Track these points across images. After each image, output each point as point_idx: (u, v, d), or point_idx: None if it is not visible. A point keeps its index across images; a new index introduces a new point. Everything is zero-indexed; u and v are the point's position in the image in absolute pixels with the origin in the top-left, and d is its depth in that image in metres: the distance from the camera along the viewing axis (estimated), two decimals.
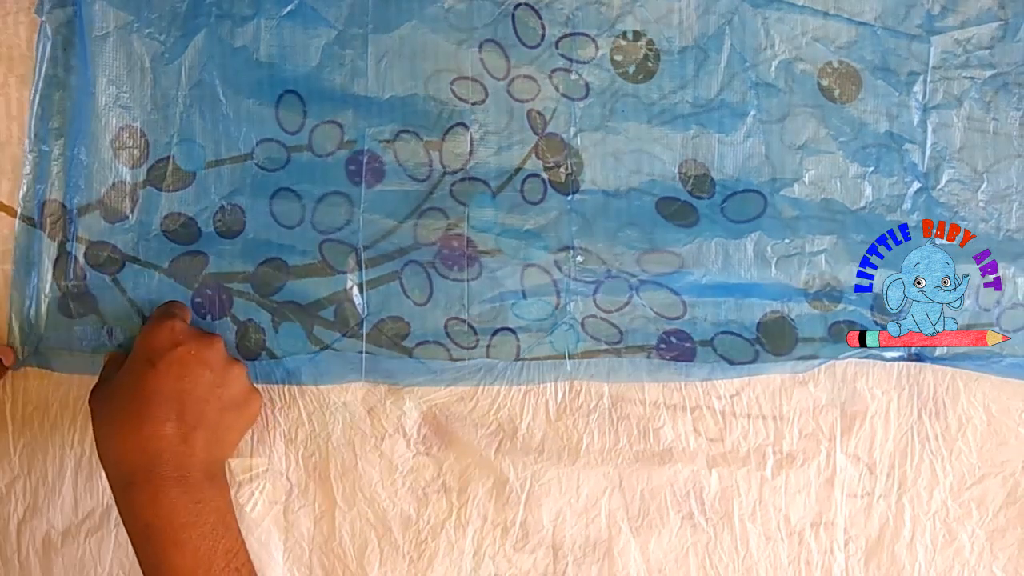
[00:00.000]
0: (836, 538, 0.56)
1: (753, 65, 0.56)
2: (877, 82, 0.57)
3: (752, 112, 0.56)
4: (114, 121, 0.55)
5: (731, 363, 0.56)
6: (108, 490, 0.54)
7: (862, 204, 0.57)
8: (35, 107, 0.55)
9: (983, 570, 0.57)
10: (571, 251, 0.56)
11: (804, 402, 0.57)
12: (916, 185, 0.57)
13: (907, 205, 0.57)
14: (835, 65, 0.57)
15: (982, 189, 0.57)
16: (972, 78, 0.57)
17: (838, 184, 0.57)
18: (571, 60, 0.56)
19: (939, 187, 0.57)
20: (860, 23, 0.57)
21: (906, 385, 0.57)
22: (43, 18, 0.55)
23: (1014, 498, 0.57)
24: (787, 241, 0.56)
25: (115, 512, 0.55)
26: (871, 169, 0.57)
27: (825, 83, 0.57)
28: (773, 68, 0.56)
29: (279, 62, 0.56)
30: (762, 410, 0.56)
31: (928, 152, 0.57)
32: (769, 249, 0.56)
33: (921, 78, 0.57)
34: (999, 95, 0.57)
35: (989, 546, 0.57)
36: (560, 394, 0.56)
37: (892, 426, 0.57)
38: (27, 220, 0.55)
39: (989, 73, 0.57)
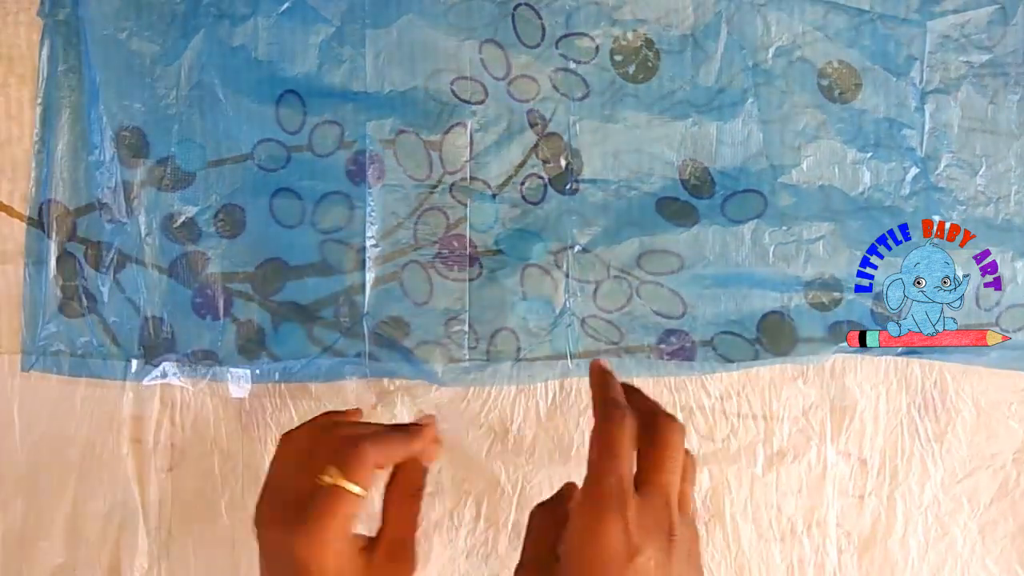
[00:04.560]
0: (828, 534, 0.56)
1: (752, 56, 0.56)
2: (875, 68, 0.56)
3: (751, 101, 0.56)
4: (115, 121, 0.55)
5: (731, 363, 0.56)
6: (109, 493, 0.55)
7: (860, 190, 0.57)
8: (36, 107, 0.55)
9: (976, 563, 0.57)
10: (571, 251, 0.56)
11: (794, 399, 0.57)
12: (915, 170, 0.57)
13: (906, 191, 0.57)
14: (835, 64, 0.57)
15: (981, 173, 0.57)
16: (969, 62, 0.57)
17: (836, 170, 0.56)
18: (571, 59, 0.56)
19: (938, 171, 0.57)
20: (857, 10, 0.56)
21: (894, 380, 0.57)
22: (45, 19, 0.55)
23: (1005, 491, 0.57)
24: (786, 229, 0.56)
25: (118, 515, 0.55)
26: (869, 155, 0.56)
27: (825, 83, 0.57)
28: (771, 61, 0.56)
29: (278, 60, 0.56)
30: (752, 408, 0.56)
31: (926, 137, 0.57)
32: (767, 238, 0.56)
33: (918, 63, 0.57)
34: (996, 79, 0.57)
35: (981, 539, 0.57)
36: (551, 394, 0.56)
37: (882, 421, 0.57)
38: (28, 220, 0.55)
39: (986, 57, 0.57)
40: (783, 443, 0.56)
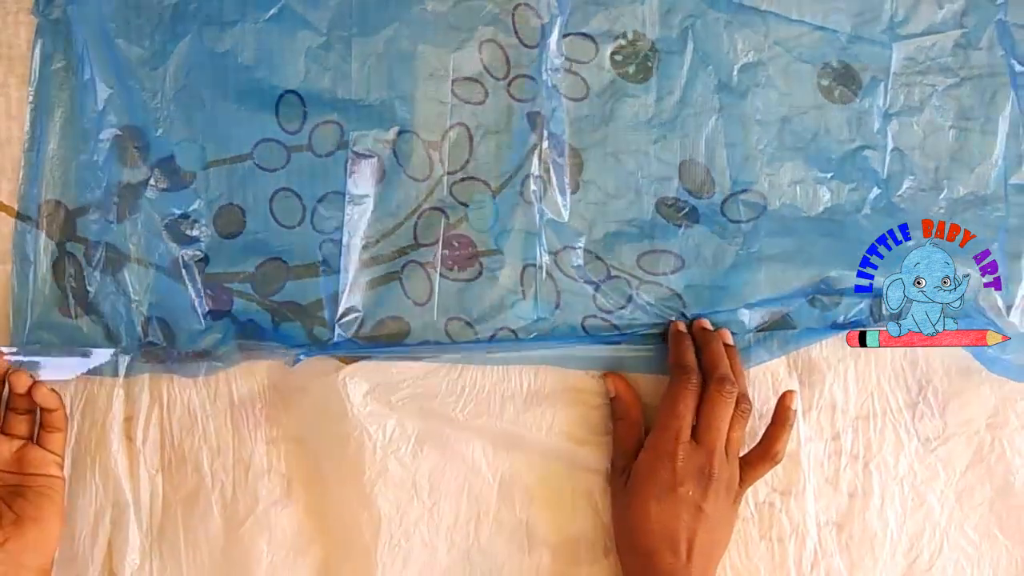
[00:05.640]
0: (806, 510, 0.56)
1: (716, 72, 0.56)
2: (839, 88, 0.57)
3: (750, 112, 0.56)
4: (114, 121, 0.55)
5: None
6: (101, 489, 0.55)
7: (820, 209, 0.57)
8: (34, 106, 0.55)
9: (954, 530, 0.57)
10: (571, 251, 0.56)
11: (762, 376, 0.57)
12: (876, 191, 0.57)
13: (867, 210, 0.57)
14: (834, 65, 0.57)
15: (942, 196, 0.57)
16: (933, 85, 0.57)
17: (797, 189, 0.57)
18: (571, 60, 0.56)
19: (899, 193, 0.57)
20: (824, 29, 0.57)
21: (861, 352, 0.57)
22: (38, 17, 0.55)
23: (980, 457, 0.57)
24: (786, 241, 0.56)
25: (110, 512, 0.55)
26: (830, 175, 0.57)
27: (826, 83, 0.57)
28: (736, 75, 0.56)
29: (263, 66, 0.56)
30: None
31: (888, 158, 0.57)
32: (768, 249, 0.56)
33: (883, 84, 0.57)
34: (960, 102, 0.57)
35: (959, 506, 0.57)
36: (527, 383, 0.56)
37: (852, 394, 0.57)
38: (27, 220, 0.55)
39: (950, 80, 0.57)
40: (754, 421, 0.56)
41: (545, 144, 0.56)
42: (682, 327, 0.56)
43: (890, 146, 0.57)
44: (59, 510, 0.52)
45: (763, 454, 0.54)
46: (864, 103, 0.57)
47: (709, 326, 0.56)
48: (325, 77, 0.56)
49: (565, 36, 0.56)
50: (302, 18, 0.56)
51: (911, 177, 0.57)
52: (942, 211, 0.57)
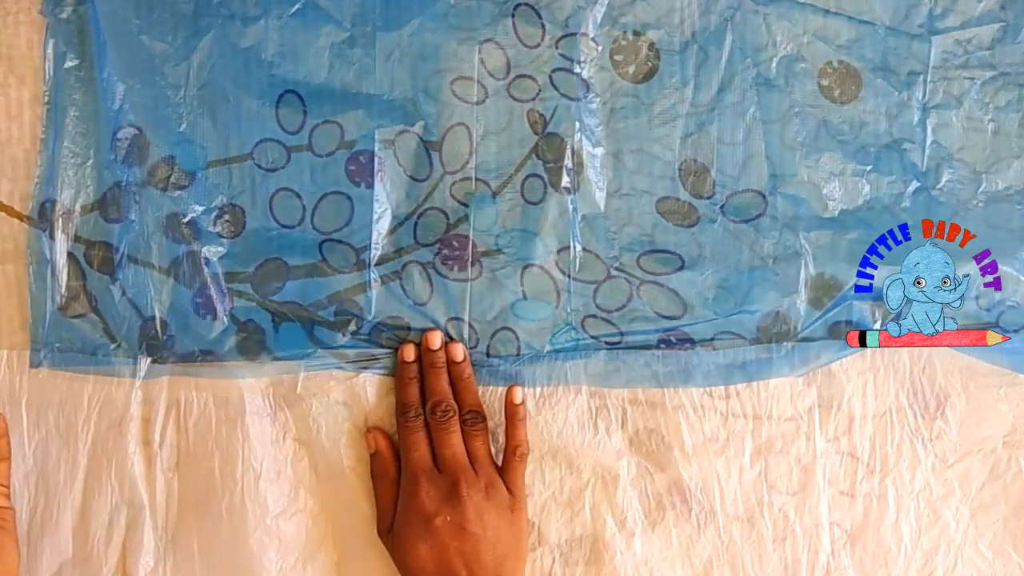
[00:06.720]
0: (820, 522, 0.56)
1: (754, 63, 0.56)
2: (877, 81, 0.56)
3: (752, 110, 0.56)
4: (115, 121, 0.55)
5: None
6: (116, 490, 0.55)
7: (860, 203, 0.57)
8: (42, 106, 0.55)
9: (969, 547, 0.57)
10: (571, 251, 0.56)
11: (780, 387, 0.57)
12: (915, 184, 0.57)
13: (906, 204, 0.57)
14: (835, 65, 0.56)
15: (981, 189, 0.57)
16: (972, 78, 0.57)
17: (836, 183, 0.57)
18: (571, 60, 0.56)
19: (938, 187, 0.57)
20: (861, 21, 0.56)
21: (881, 366, 0.57)
22: (48, 17, 0.55)
23: (996, 474, 0.57)
24: (786, 240, 0.56)
25: (125, 513, 0.55)
26: (869, 168, 0.56)
27: (825, 83, 0.57)
28: (774, 66, 0.56)
29: (287, 62, 0.55)
30: (739, 398, 0.56)
31: (927, 152, 0.57)
32: (769, 248, 0.56)
33: (921, 78, 0.57)
34: (999, 96, 0.57)
35: (974, 524, 0.57)
36: (541, 389, 0.56)
37: (870, 408, 0.57)
38: (27, 220, 0.55)
39: (989, 74, 0.57)
40: (771, 432, 0.56)
41: (545, 144, 0.56)
42: (409, 356, 0.55)
43: (929, 140, 0.57)
44: (15, 542, 0.52)
45: (508, 455, 0.54)
46: (902, 96, 0.57)
47: (434, 346, 0.55)
48: (347, 73, 0.56)
49: (565, 36, 0.56)
50: (325, 13, 0.56)
51: (950, 171, 0.57)
52: (981, 205, 0.57)
